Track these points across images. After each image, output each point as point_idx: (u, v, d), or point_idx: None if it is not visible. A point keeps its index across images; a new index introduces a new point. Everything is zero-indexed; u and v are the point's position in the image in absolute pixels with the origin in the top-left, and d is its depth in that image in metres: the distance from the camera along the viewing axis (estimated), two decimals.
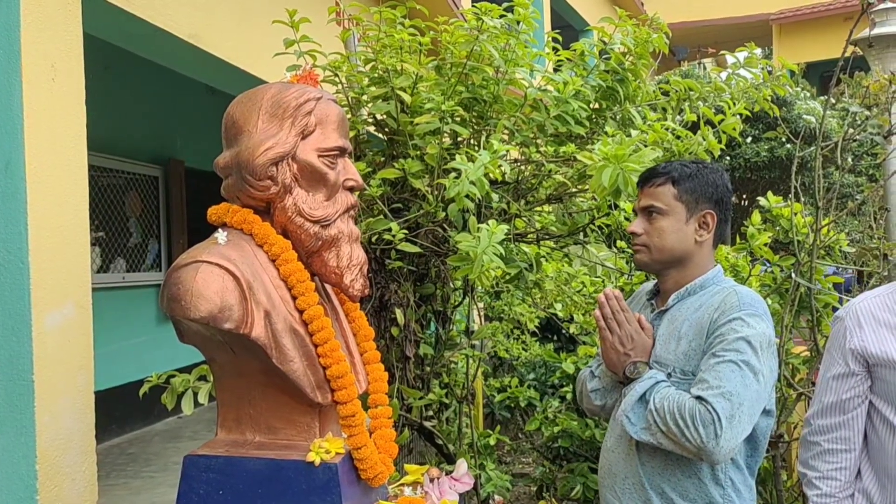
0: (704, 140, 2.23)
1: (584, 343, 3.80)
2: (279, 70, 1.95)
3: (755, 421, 1.75)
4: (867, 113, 2.77)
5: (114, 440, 6.18)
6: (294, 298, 1.58)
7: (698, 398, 1.69)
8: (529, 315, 4.93)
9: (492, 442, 3.60)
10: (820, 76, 14.18)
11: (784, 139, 6.54)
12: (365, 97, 2.51)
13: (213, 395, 2.50)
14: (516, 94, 2.63)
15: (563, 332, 4.02)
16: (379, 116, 2.46)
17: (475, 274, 2.01)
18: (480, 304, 4.12)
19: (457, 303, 3.04)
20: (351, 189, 1.69)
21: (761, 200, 3.16)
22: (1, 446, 2.39)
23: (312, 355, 1.57)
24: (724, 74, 2.60)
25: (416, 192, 2.45)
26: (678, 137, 2.27)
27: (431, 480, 1.83)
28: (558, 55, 2.54)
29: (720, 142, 2.31)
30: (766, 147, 7.24)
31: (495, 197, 2.50)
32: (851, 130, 2.81)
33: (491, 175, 2.14)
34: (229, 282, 1.48)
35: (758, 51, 2.75)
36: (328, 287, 1.78)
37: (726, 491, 1.82)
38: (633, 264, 2.34)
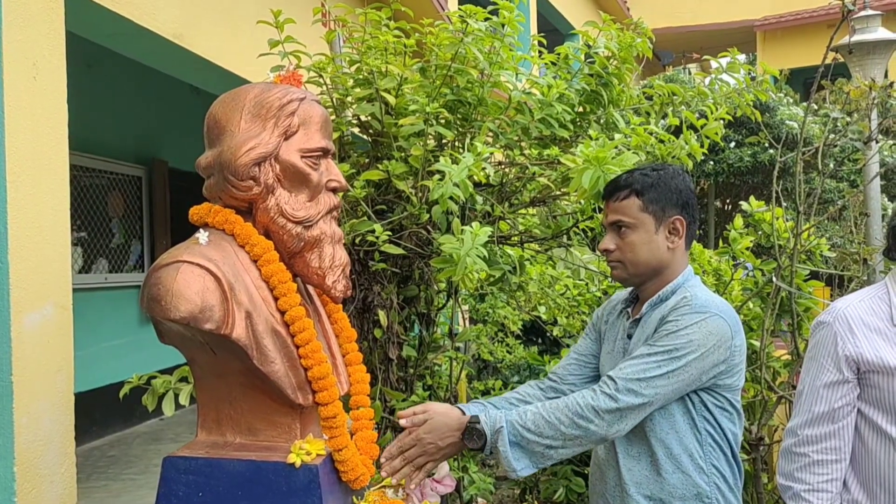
0: (687, 144, 2.24)
1: (568, 346, 3.81)
2: (264, 71, 1.94)
3: (664, 401, 1.77)
4: (848, 119, 2.79)
5: (94, 442, 6.13)
6: (276, 299, 1.58)
7: (609, 378, 1.74)
8: (513, 317, 4.94)
9: None
10: (803, 82, 14.32)
11: (766, 144, 6.59)
12: (349, 98, 2.50)
13: (194, 397, 2.49)
14: (501, 96, 2.64)
15: (548, 334, 4.02)
16: (363, 118, 2.46)
17: (458, 276, 2.01)
18: (465, 307, 4.11)
19: (440, 305, 3.04)
20: (334, 190, 1.68)
21: (744, 205, 3.19)
22: None
23: (294, 356, 1.57)
24: (707, 79, 2.61)
25: (399, 193, 2.45)
26: (661, 141, 2.28)
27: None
28: (542, 58, 2.54)
29: (702, 146, 2.32)
30: (749, 152, 7.27)
31: (479, 199, 2.50)
32: (832, 136, 2.83)
33: (475, 177, 2.14)
34: (210, 282, 1.48)
35: (741, 57, 2.77)
36: (310, 288, 1.77)
37: (711, 479, 1.83)
38: None
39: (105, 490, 4.87)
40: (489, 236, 2.03)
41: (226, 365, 1.58)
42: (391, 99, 2.25)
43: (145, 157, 7.06)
